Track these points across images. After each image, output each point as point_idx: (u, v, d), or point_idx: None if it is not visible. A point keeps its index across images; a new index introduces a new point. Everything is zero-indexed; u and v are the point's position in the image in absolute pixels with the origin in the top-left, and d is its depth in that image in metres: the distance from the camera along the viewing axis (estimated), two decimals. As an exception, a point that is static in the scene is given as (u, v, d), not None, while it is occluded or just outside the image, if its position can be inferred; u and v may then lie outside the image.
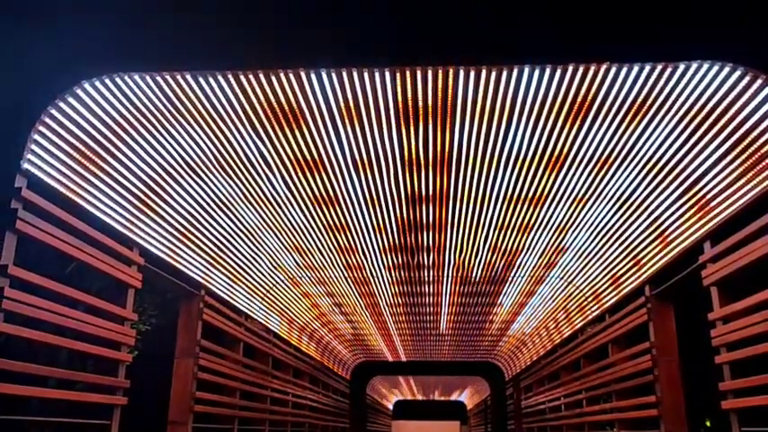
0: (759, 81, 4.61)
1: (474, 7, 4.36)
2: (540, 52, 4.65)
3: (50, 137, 4.87)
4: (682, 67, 4.75)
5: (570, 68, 4.87)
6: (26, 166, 4.73)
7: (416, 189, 7.03)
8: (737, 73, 4.66)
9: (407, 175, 6.67)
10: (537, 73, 4.93)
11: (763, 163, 5.03)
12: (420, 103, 5.38)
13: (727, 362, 5.71)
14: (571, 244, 8.45)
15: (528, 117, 5.56)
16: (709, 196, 5.82)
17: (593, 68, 4.87)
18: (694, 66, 4.73)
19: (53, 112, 4.78)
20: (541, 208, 7.39)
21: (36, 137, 4.75)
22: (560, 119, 5.57)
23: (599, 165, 6.30)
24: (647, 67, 4.82)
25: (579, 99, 5.27)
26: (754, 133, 4.94)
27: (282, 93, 5.25)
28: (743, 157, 5.17)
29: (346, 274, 10.27)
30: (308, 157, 6.29)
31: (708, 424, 16.30)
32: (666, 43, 4.57)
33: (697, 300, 6.96)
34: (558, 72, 4.92)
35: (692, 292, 6.69)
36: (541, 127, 5.71)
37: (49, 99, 4.73)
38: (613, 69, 4.87)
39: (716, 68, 4.70)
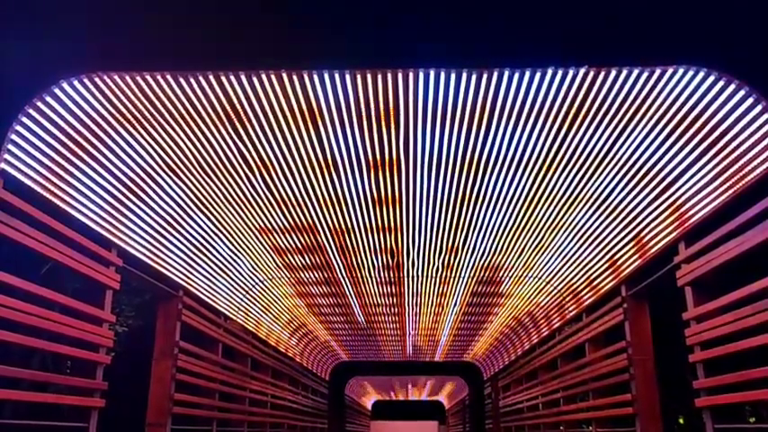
0: (732, 86, 4.72)
1: (459, 11, 4.41)
2: (522, 57, 4.71)
3: (28, 136, 4.82)
4: (658, 71, 4.85)
5: (549, 72, 4.94)
6: (2, 165, 4.67)
7: (393, 191, 7.06)
8: (711, 77, 4.77)
9: (387, 176, 6.70)
10: (516, 77, 5.00)
11: (736, 166, 5.14)
12: (401, 108, 5.42)
13: (701, 360, 5.82)
14: (550, 245, 8.55)
15: (507, 122, 5.63)
16: (683, 198, 5.92)
17: (570, 72, 4.94)
18: (670, 70, 4.84)
19: (31, 111, 4.73)
20: (531, 210, 7.48)
21: (13, 136, 4.69)
22: (538, 123, 5.64)
23: (576, 168, 6.38)
24: (624, 72, 4.91)
25: (557, 104, 5.34)
26: (728, 137, 5.05)
27: (264, 94, 5.24)
28: (716, 160, 5.28)
29: (325, 275, 10.27)
30: (289, 159, 6.29)
31: (681, 421, 16.58)
32: (643, 47, 4.66)
33: (673, 299, 7.08)
34: (537, 76, 4.98)
35: (668, 291, 6.79)
36: (520, 131, 5.78)
37: (26, 98, 4.68)
38: (591, 73, 4.95)
39: (691, 73, 4.81)
